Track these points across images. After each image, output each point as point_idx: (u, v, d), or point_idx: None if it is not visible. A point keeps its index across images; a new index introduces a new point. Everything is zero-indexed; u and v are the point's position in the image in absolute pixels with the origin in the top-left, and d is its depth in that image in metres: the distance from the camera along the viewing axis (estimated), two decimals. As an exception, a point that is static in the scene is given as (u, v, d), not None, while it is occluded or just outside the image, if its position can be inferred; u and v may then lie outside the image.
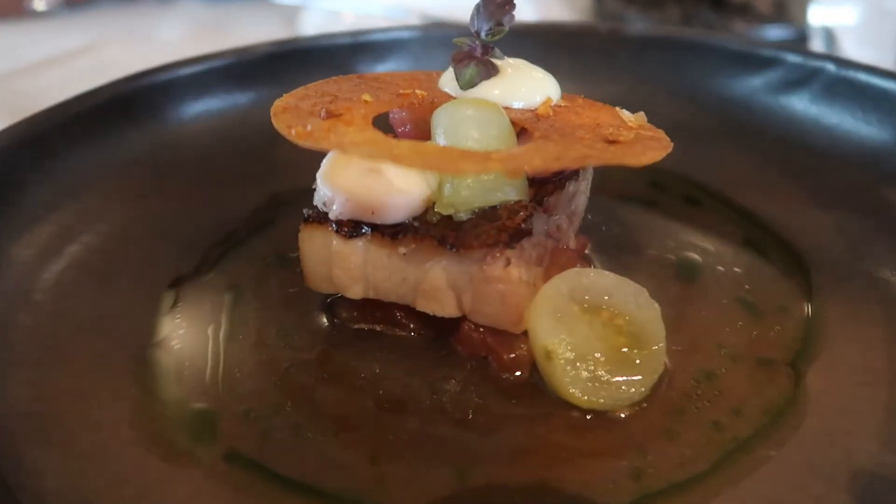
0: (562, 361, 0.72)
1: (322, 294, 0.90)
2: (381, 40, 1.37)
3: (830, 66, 1.09)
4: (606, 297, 0.78)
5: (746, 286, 0.91)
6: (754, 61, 1.19)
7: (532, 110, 0.86)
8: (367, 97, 0.85)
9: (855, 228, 0.97)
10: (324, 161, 0.83)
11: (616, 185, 1.10)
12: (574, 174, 0.86)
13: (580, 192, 0.90)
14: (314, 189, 0.85)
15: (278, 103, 0.82)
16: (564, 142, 0.74)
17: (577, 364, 0.72)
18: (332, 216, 0.79)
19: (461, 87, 0.89)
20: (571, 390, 0.72)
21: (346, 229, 0.79)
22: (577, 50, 1.37)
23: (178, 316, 0.89)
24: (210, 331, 0.87)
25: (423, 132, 0.86)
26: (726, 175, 1.13)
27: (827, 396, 0.74)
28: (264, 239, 1.06)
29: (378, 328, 0.86)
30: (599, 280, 0.78)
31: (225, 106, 1.27)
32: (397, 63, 1.37)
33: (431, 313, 0.80)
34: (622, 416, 0.73)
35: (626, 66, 1.30)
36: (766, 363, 0.79)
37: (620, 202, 1.11)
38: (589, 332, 0.74)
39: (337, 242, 0.79)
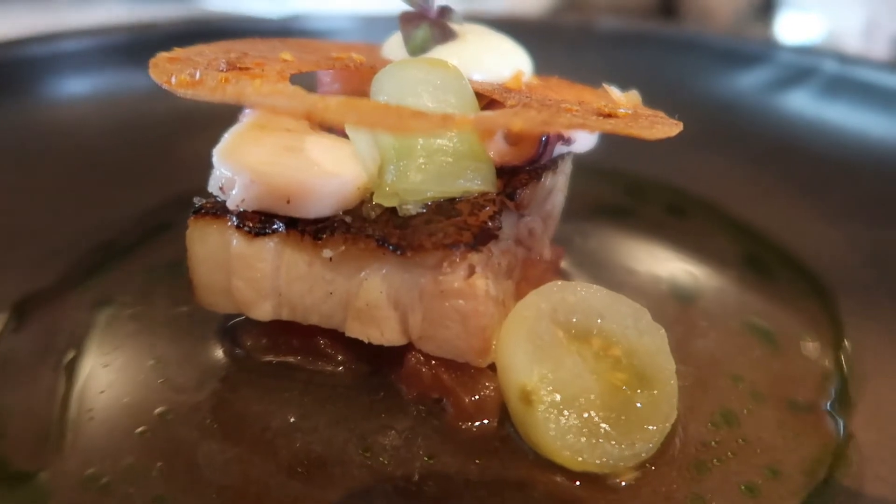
0: (544, 406, 0.52)
1: (222, 315, 0.68)
2: (313, 28, 1.17)
3: (831, 62, 0.95)
4: (599, 321, 0.59)
5: (755, 309, 0.74)
6: (741, 59, 1.04)
7: (498, 84, 0.68)
8: (286, 56, 0.65)
9: (870, 242, 0.82)
10: (224, 135, 0.62)
11: (587, 192, 0.93)
12: (552, 165, 0.68)
13: (557, 189, 0.72)
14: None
15: (163, 54, 0.61)
16: (549, 110, 0.55)
17: (565, 410, 0.53)
18: (231, 205, 0.58)
19: (409, 52, 0.70)
20: (558, 445, 0.52)
21: (250, 224, 0.58)
22: (541, 47, 1.21)
23: (14, 343, 0.66)
24: (57, 362, 0.64)
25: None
26: (712, 182, 0.97)
27: (883, 452, 0.56)
28: (154, 247, 0.84)
29: (293, 360, 0.65)
30: (589, 297, 0.59)
31: (117, 88, 1.05)
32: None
33: (367, 341, 0.59)
34: (622, 482, 0.53)
35: (596, 64, 1.14)
36: (797, 406, 0.61)
37: (594, 211, 0.94)
38: (579, 367, 0.55)
39: (238, 242, 0.58)
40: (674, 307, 0.74)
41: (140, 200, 0.91)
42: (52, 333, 0.68)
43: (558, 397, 0.53)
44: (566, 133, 0.68)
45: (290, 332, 0.64)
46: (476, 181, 0.60)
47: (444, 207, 0.59)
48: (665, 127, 0.56)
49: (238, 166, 0.57)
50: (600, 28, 1.15)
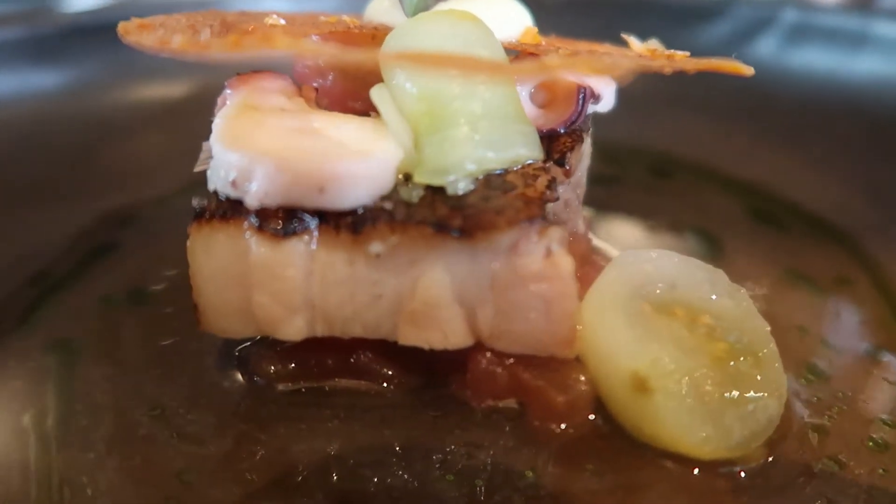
0: (663, 392, 0.45)
1: (221, 342, 0.56)
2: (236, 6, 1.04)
3: (790, 11, 0.94)
4: (677, 289, 0.52)
5: (785, 260, 0.71)
6: (698, 15, 1.02)
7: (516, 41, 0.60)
8: (273, 20, 0.54)
9: (866, 181, 0.81)
10: (216, 120, 0.51)
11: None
12: (587, 125, 0.61)
13: (586, 154, 0.65)
14: (204, 168, 0.52)
15: (126, 24, 0.48)
16: (621, 57, 0.48)
17: (684, 394, 0.46)
18: (251, 202, 0.46)
19: (409, 14, 0.60)
20: (684, 434, 0.45)
21: (275, 223, 0.47)
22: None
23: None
24: (17, 432, 0.50)
25: (357, 78, 0.56)
26: (692, 141, 0.94)
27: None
28: (100, 274, 0.69)
29: (328, 384, 0.54)
30: (665, 264, 0.53)
31: (14, 92, 0.87)
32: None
33: (426, 347, 0.50)
34: (742, 473, 0.47)
35: (551, 30, 1.09)
36: (872, 352, 0.58)
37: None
38: (683, 343, 0.48)
39: (259, 248, 0.47)
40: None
41: (67, 220, 0.76)
42: (2, 395, 0.53)
43: (674, 380, 0.46)
44: (597, 90, 0.61)
45: (322, 351, 0.53)
46: (526, 147, 0.52)
47: (494, 181, 0.51)
48: (739, 64, 0.51)
49: (256, 154, 0.45)
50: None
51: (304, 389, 0.54)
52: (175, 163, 0.89)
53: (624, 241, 0.76)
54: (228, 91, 0.55)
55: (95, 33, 0.95)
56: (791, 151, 0.87)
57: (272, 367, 0.53)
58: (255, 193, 0.45)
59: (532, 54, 0.58)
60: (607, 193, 0.87)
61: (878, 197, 0.78)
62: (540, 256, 0.47)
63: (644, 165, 0.93)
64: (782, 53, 0.96)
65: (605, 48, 0.65)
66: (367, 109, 0.56)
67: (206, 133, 1.00)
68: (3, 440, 0.49)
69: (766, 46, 0.97)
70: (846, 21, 0.91)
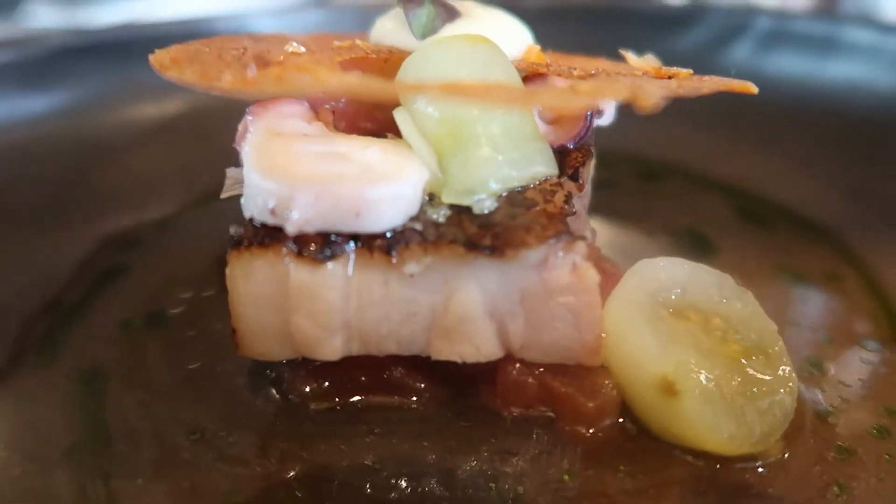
0: (690, 394, 0.48)
1: (249, 363, 0.58)
2: (223, 30, 1.04)
3: (763, 18, 0.99)
4: (688, 294, 0.55)
5: (775, 257, 0.75)
6: (673, 22, 1.06)
7: (521, 59, 0.63)
8: (294, 48, 0.55)
9: (844, 179, 0.86)
10: (246, 148, 0.52)
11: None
12: (593, 139, 0.64)
13: (592, 167, 0.68)
14: (231, 195, 0.53)
15: (160, 59, 0.49)
16: (626, 79, 0.51)
17: (709, 394, 0.49)
18: (291, 229, 0.47)
19: (418, 36, 0.62)
20: (710, 432, 0.48)
21: (313, 248, 0.48)
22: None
23: None
24: (62, 453, 0.50)
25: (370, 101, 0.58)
26: (675, 146, 0.98)
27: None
28: (113, 298, 0.70)
29: (360, 399, 0.56)
30: (676, 271, 0.56)
31: (8, 116, 0.86)
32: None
33: (459, 360, 0.52)
34: (759, 470, 0.50)
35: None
36: (870, 344, 0.62)
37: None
38: (701, 346, 0.52)
39: (298, 272, 0.48)
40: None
41: (72, 246, 0.76)
42: (35, 424, 0.54)
43: (699, 382, 0.49)
44: (601, 106, 0.64)
45: (355, 368, 0.54)
46: (543, 165, 0.55)
47: (515, 198, 0.53)
48: (736, 81, 0.54)
49: (296, 181, 0.47)
50: (533, 3, 1.12)
51: (338, 407, 0.55)
52: (172, 182, 0.90)
53: (622, 244, 0.79)
54: (250, 118, 0.57)
55: (84, 55, 0.95)
56: (770, 153, 0.92)
57: (307, 387, 0.55)
58: (296, 221, 0.47)
59: (541, 74, 0.61)
60: (601, 198, 0.90)
61: (856, 194, 0.83)
62: (567, 270, 0.50)
63: (635, 170, 0.96)
64: (757, 59, 1.00)
65: (602, 63, 0.68)
66: (380, 130, 0.58)
67: (200, 150, 1.00)
68: (46, 472, 0.50)
69: (741, 52, 1.02)
70: (816, 27, 0.96)
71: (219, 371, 0.59)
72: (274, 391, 0.56)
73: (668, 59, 1.09)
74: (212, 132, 0.97)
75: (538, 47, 0.66)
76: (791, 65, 0.97)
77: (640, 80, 0.49)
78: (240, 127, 0.59)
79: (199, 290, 0.70)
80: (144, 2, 1.98)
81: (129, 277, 0.73)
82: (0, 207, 0.79)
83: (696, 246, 0.79)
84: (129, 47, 0.98)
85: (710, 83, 0.50)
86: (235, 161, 0.89)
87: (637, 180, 0.94)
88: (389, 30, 0.66)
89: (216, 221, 0.82)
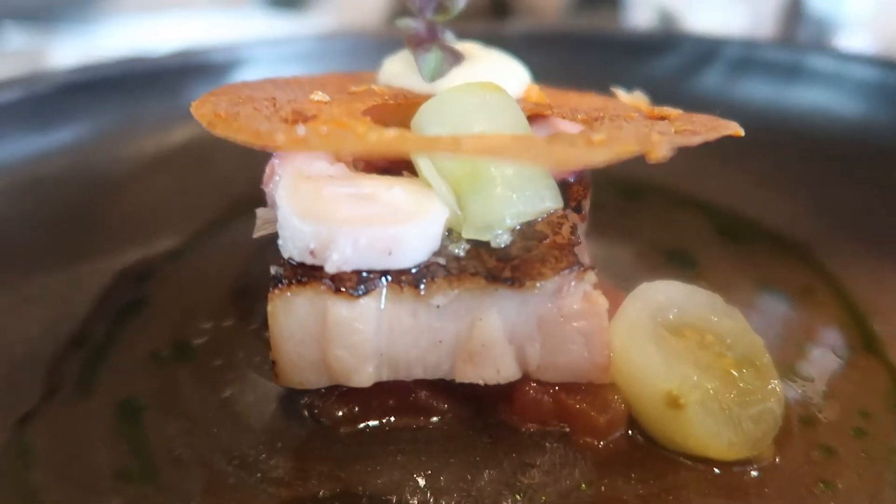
0: (694, 407, 0.54)
1: (282, 391, 0.62)
2: (220, 60, 1.07)
3: (733, 46, 1.06)
4: (683, 314, 0.61)
5: (753, 273, 0.81)
6: (649, 49, 1.13)
7: (521, 100, 0.68)
8: (319, 96, 0.59)
9: (813, 198, 0.93)
10: (280, 193, 0.56)
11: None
12: (590, 171, 0.69)
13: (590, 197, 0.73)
14: (263, 234, 0.57)
15: (208, 117, 0.53)
16: (637, 123, 0.56)
17: (709, 406, 0.54)
18: (330, 268, 0.52)
19: (427, 79, 0.67)
20: (712, 440, 0.54)
21: (349, 285, 0.53)
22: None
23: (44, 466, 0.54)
24: (112, 484, 0.54)
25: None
26: (653, 166, 1.04)
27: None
28: (138, 330, 0.73)
29: (388, 421, 0.60)
30: (672, 293, 0.62)
31: (16, 155, 0.88)
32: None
33: (482, 383, 0.57)
34: (754, 473, 0.56)
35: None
36: (843, 352, 0.68)
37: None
38: (699, 362, 0.57)
39: (339, 308, 0.52)
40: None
41: (89, 281, 0.79)
42: (81, 454, 0.57)
43: (700, 395, 0.55)
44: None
45: (383, 392, 0.59)
46: (551, 200, 0.60)
47: (527, 231, 0.58)
48: (723, 121, 0.60)
49: (334, 225, 0.51)
50: (511, 32, 1.18)
51: (367, 429, 0.59)
52: (177, 212, 0.93)
53: (612, 262, 0.84)
54: (276, 161, 0.61)
55: (87, 90, 0.97)
56: (745, 173, 0.98)
57: (339, 411, 0.59)
58: (336, 261, 0.51)
59: (544, 116, 0.66)
60: (589, 218, 0.96)
61: (823, 211, 0.89)
62: (579, 297, 0.55)
63: (617, 189, 1.02)
64: (726, 85, 1.07)
65: (596, 100, 0.73)
66: (395, 167, 0.62)
67: (201, 180, 1.03)
68: (99, 499, 0.53)
69: (712, 78, 1.09)
70: (782, 55, 1.03)
71: (250, 398, 0.63)
72: (306, 416, 0.60)
73: (644, 83, 1.16)
74: (210, 162, 1.01)
75: (537, 87, 0.72)
76: (759, 90, 1.04)
77: (645, 127, 0.55)
78: (267, 169, 0.63)
79: (219, 320, 0.74)
80: (117, 25, 1.99)
81: (148, 309, 0.76)
82: (14, 244, 0.81)
83: (681, 262, 0.85)
84: (129, 81, 1.01)
85: (703, 128, 0.55)
86: (235, 189, 0.93)
87: (620, 200, 1.00)
88: (398, 72, 0.71)
89: (224, 251, 0.87)
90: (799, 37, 1.42)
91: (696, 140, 0.52)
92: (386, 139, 0.45)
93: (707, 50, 1.08)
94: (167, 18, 2.09)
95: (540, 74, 0.83)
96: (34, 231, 0.84)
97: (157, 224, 0.89)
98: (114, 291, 0.78)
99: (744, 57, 1.06)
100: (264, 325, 0.71)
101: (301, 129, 0.47)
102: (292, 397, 0.62)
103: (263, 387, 0.64)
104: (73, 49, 1.84)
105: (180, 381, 0.65)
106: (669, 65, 1.12)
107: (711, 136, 0.54)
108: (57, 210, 0.87)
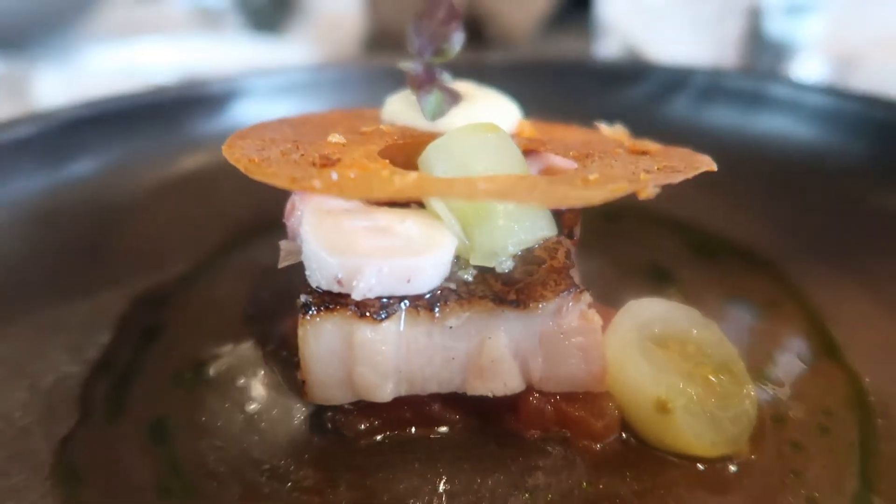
0: (680, 411, 0.61)
1: (305, 406, 0.67)
2: (218, 91, 1.13)
3: (700, 75, 1.14)
4: (667, 328, 0.68)
5: (726, 288, 0.89)
6: (622, 78, 1.21)
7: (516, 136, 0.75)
8: (336, 138, 0.66)
9: (775, 216, 1.01)
10: (305, 228, 0.61)
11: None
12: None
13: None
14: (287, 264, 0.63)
15: (245, 163, 0.58)
16: (623, 160, 0.63)
17: (694, 409, 0.61)
18: (357, 296, 0.58)
19: (429, 118, 0.74)
20: (697, 439, 0.61)
21: (372, 310, 0.58)
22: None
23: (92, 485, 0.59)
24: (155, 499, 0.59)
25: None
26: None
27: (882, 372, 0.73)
28: (159, 355, 0.77)
29: (404, 433, 0.66)
30: (656, 309, 0.69)
31: (32, 189, 0.92)
32: (238, 113, 1.14)
33: (490, 395, 0.63)
34: (733, 468, 0.63)
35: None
36: (806, 357, 0.76)
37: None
38: (682, 370, 0.64)
39: (364, 331, 0.58)
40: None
41: (106, 308, 0.83)
42: (120, 471, 0.61)
43: (685, 400, 0.62)
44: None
45: (399, 406, 0.64)
46: (548, 228, 0.67)
47: (527, 257, 0.65)
48: (699, 156, 0.67)
49: (362, 257, 0.57)
50: (491, 62, 1.25)
51: (386, 440, 0.65)
52: (183, 240, 0.98)
53: (598, 280, 0.91)
54: (297, 197, 0.66)
55: (93, 125, 1.01)
56: (714, 194, 1.06)
57: (361, 424, 0.64)
58: (361, 289, 0.57)
59: (534, 151, 0.73)
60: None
61: (786, 229, 0.98)
62: (576, 316, 0.61)
63: (596, 212, 1.09)
64: (694, 111, 1.16)
65: (581, 133, 0.80)
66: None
67: (203, 208, 1.08)
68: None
69: (681, 105, 1.17)
70: (746, 83, 1.12)
71: (274, 415, 0.68)
72: (330, 429, 0.66)
73: (618, 110, 1.25)
74: (212, 190, 1.06)
75: (528, 123, 0.78)
76: (725, 116, 1.13)
77: (632, 164, 0.62)
78: (288, 205, 0.68)
79: (236, 341, 0.79)
80: (98, 50, 2.03)
81: (167, 334, 0.80)
82: (33, 275, 0.85)
83: (659, 278, 0.92)
84: (133, 114, 1.06)
85: (681, 163, 0.63)
86: (236, 215, 0.98)
87: (602, 222, 1.07)
88: (400, 111, 0.77)
89: (232, 276, 0.92)
90: (760, 62, 1.52)
91: (678, 178, 0.60)
92: (409, 184, 0.52)
93: (676, 79, 1.17)
94: (148, 44, 2.13)
95: (520, 102, 0.89)
96: (51, 262, 0.88)
97: (166, 251, 0.94)
98: (132, 317, 0.82)
99: (710, 85, 1.14)
100: (280, 346, 0.77)
101: (334, 175, 0.53)
102: (315, 412, 0.67)
103: (285, 404, 0.70)
104: (57, 75, 1.87)
105: (205, 401, 0.70)
106: (641, 93, 1.20)
107: (690, 173, 0.61)
108: (71, 241, 0.91)
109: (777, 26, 1.62)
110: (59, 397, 0.70)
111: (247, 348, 0.78)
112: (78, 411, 0.68)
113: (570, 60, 1.27)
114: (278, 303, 0.84)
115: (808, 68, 1.93)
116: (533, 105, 0.92)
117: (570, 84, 1.25)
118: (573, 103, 1.21)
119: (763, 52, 1.62)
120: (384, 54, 2.12)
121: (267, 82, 1.17)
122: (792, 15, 1.63)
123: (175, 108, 1.08)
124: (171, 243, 0.96)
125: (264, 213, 0.93)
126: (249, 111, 1.15)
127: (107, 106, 1.01)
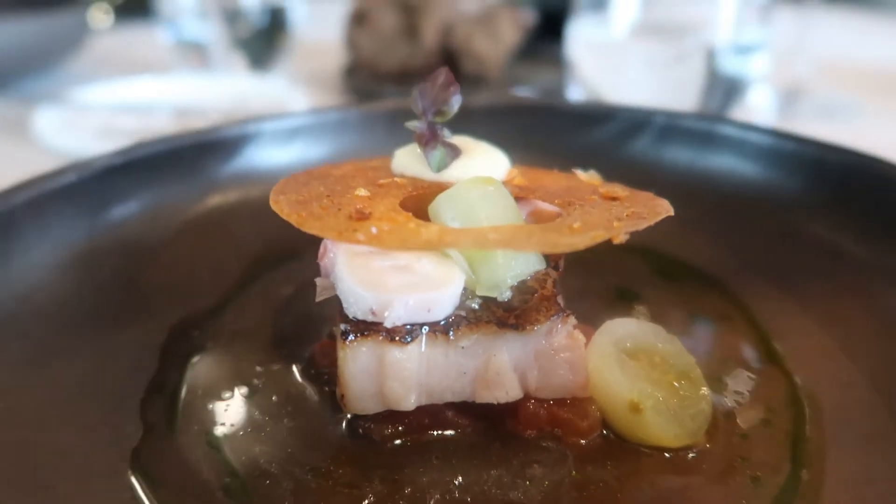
0: (649, 411, 0.75)
1: (335, 415, 0.80)
2: (231, 136, 1.25)
3: (660, 116, 1.30)
4: (638, 342, 0.83)
5: (689, 303, 1.04)
6: (592, 119, 1.36)
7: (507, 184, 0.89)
8: (361, 192, 0.79)
9: (726, 241, 1.17)
10: (339, 268, 0.74)
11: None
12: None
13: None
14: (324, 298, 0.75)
15: (296, 217, 0.71)
16: (599, 207, 0.78)
17: (660, 408, 0.76)
18: (388, 324, 0.71)
19: (434, 171, 0.87)
20: (664, 433, 0.75)
21: (400, 335, 0.72)
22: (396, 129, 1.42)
23: (166, 486, 0.71)
24: (214, 494, 0.71)
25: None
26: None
27: (820, 379, 0.88)
28: (205, 376, 0.89)
29: (423, 435, 0.79)
30: (628, 327, 0.83)
31: (74, 232, 1.03)
32: (252, 159, 1.26)
33: (496, 402, 0.76)
34: (692, 455, 0.77)
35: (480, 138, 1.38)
36: (752, 365, 0.91)
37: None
38: (650, 376, 0.78)
39: (393, 352, 0.71)
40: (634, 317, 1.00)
41: (149, 338, 0.93)
42: (187, 474, 0.73)
43: (653, 402, 0.76)
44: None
45: (420, 413, 0.77)
46: (538, 262, 0.81)
47: (522, 287, 0.79)
48: (665, 202, 0.82)
49: (392, 293, 0.70)
50: (473, 104, 1.39)
51: (408, 442, 0.78)
52: (208, 275, 1.09)
53: (574, 301, 1.05)
54: (328, 241, 0.79)
55: (121, 173, 1.12)
56: (673, 223, 1.20)
57: (387, 430, 0.77)
58: (392, 318, 0.70)
59: (524, 198, 0.86)
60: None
61: (735, 253, 1.13)
62: (564, 336, 0.75)
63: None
64: (654, 149, 1.31)
65: (561, 178, 0.95)
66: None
67: (224, 246, 1.19)
68: (216, 508, 0.69)
69: (643, 143, 1.32)
70: (699, 124, 1.28)
71: (311, 425, 0.80)
72: (361, 434, 0.78)
73: (587, 148, 1.40)
74: (229, 228, 1.18)
75: (516, 171, 0.93)
76: (681, 154, 1.29)
77: (606, 211, 0.76)
78: (321, 248, 0.81)
79: (268, 363, 0.91)
80: (94, 89, 2.12)
81: (207, 358, 0.92)
82: (81, 310, 0.95)
83: (628, 299, 1.06)
84: (157, 159, 1.17)
85: (645, 209, 0.77)
86: (253, 250, 1.11)
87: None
88: (407, 164, 0.90)
89: (255, 304, 1.04)
90: (715, 98, 1.69)
91: (644, 224, 0.74)
92: (434, 236, 0.65)
93: (639, 120, 1.32)
94: (141, 81, 2.23)
95: (501, 142, 1.02)
96: (94, 299, 0.98)
97: (194, 286, 1.05)
98: (173, 345, 0.94)
99: (668, 126, 1.30)
100: (307, 365, 0.90)
101: (374, 230, 0.66)
102: (346, 421, 0.80)
103: (320, 415, 0.82)
104: (55, 113, 1.97)
105: (249, 414, 0.82)
106: (609, 132, 1.35)
107: (653, 219, 0.76)
108: (109, 279, 1.02)
109: (729, 64, 1.80)
110: (122, 415, 0.81)
111: (278, 369, 0.90)
112: (142, 426, 0.80)
113: (543, 104, 1.42)
114: (300, 328, 0.97)
115: (759, 100, 2.13)
116: (513, 144, 1.06)
117: (545, 124, 1.39)
118: (547, 142, 1.36)
119: (718, 87, 1.80)
120: (361, 81, 2.26)
121: (273, 126, 1.29)
122: (741, 54, 1.81)
123: (191, 153, 1.20)
124: (199, 277, 1.07)
125: (277, 247, 1.06)
126: (259, 154, 1.27)
127: (136, 153, 1.12)
